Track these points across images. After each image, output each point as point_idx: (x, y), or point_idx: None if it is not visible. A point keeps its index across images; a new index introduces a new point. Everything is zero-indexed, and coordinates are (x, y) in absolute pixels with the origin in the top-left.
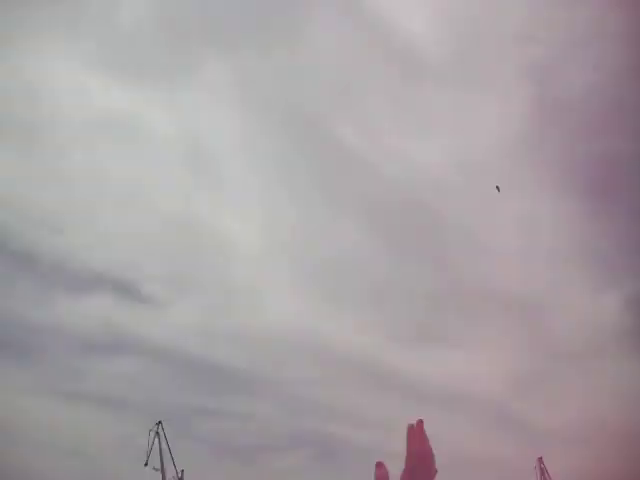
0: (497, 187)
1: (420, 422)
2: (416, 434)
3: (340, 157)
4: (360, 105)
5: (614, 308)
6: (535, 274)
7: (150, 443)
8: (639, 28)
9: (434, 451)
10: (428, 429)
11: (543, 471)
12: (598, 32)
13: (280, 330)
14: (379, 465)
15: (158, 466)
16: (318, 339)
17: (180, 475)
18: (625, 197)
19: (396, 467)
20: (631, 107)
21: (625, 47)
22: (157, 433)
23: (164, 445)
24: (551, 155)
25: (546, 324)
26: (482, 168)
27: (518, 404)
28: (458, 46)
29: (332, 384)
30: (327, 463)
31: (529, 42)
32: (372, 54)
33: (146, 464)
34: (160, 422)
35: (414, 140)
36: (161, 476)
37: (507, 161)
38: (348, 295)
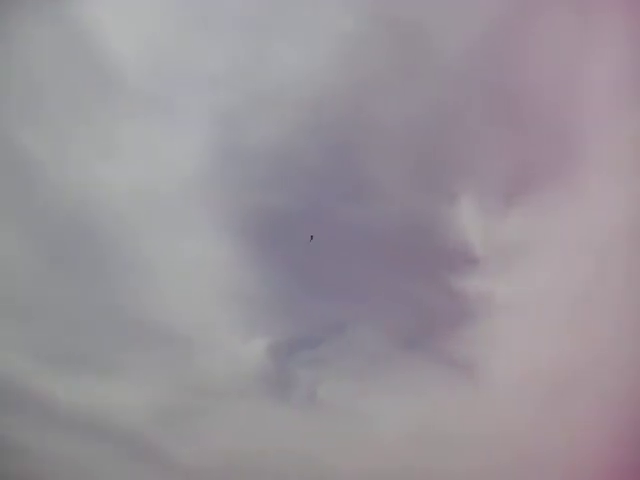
0: (311, 237)
1: None
2: None
3: (17, 165)
4: (47, 114)
5: (259, 353)
6: (194, 311)
7: None
8: (315, 91)
9: None
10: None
11: None
12: (282, 92)
13: None
14: None
15: None
16: None
17: None
18: (279, 248)
19: None
20: (303, 165)
21: (303, 111)
22: None
23: None
24: (227, 200)
25: (197, 361)
26: (162, 202)
27: (162, 438)
28: (156, 77)
29: None
30: None
31: (221, 88)
32: (70, 64)
33: None
34: None
35: (99, 160)
36: None
37: (187, 199)
38: None
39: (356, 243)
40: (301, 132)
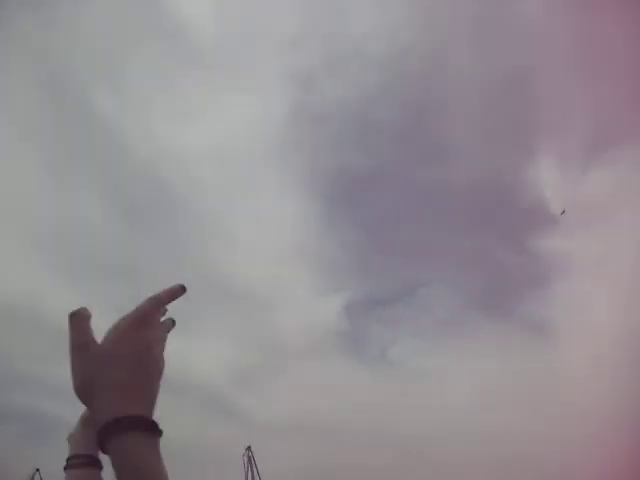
0: (563, 210)
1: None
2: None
3: (99, 133)
4: (124, 78)
5: (334, 311)
6: (271, 270)
7: None
8: (392, 50)
9: None
10: None
11: (250, 459)
12: (359, 51)
13: None
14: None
15: None
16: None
17: None
18: (360, 210)
19: None
20: (379, 127)
21: (381, 70)
22: None
23: None
24: (304, 160)
25: (274, 320)
26: (235, 162)
27: (239, 396)
28: (232, 40)
29: (44, 356)
30: (38, 441)
31: (297, 49)
32: (145, 28)
33: None
34: None
35: (173, 123)
36: None
37: (265, 159)
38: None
39: (432, 203)
40: (378, 91)
